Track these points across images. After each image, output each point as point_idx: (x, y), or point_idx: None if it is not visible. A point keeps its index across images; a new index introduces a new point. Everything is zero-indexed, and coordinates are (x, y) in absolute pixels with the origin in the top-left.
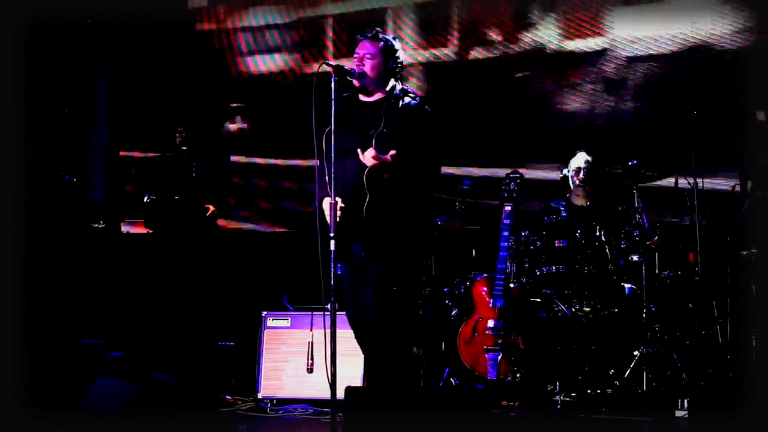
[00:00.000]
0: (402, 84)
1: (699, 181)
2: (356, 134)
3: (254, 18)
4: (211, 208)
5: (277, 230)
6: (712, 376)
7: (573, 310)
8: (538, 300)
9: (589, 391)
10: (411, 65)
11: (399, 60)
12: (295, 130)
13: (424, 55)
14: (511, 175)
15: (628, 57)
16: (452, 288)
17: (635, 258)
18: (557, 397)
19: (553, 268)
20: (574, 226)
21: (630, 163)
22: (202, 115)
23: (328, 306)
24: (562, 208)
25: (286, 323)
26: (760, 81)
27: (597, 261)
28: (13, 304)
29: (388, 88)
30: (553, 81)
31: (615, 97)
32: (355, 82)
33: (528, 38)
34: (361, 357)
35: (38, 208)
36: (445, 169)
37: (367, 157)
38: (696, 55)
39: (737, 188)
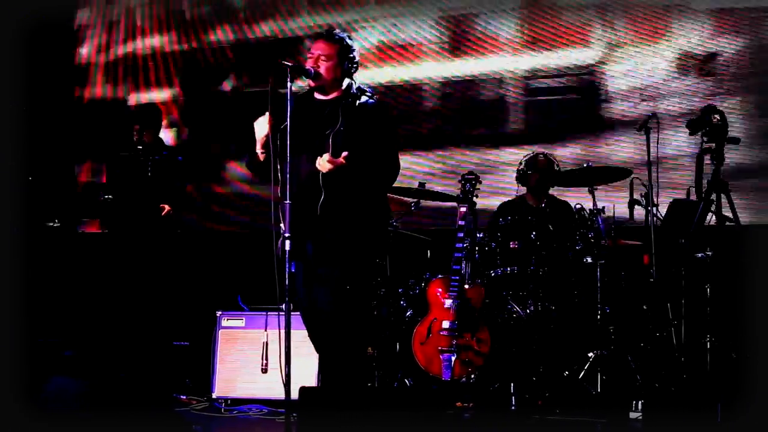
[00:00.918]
0: (357, 82)
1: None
2: (312, 133)
3: None
4: (167, 207)
5: (232, 230)
6: (666, 377)
7: (528, 311)
8: (493, 301)
9: (543, 392)
10: None
11: (354, 59)
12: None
13: None
14: (466, 176)
15: None
16: (407, 289)
17: (590, 260)
18: (511, 398)
19: (508, 269)
20: (528, 228)
21: (585, 165)
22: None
23: (283, 306)
24: (518, 209)
25: (240, 323)
26: None
27: (552, 262)
28: None
29: (344, 87)
30: None
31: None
32: (311, 82)
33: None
34: (316, 357)
35: None
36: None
37: (322, 163)
38: None
39: (692, 191)
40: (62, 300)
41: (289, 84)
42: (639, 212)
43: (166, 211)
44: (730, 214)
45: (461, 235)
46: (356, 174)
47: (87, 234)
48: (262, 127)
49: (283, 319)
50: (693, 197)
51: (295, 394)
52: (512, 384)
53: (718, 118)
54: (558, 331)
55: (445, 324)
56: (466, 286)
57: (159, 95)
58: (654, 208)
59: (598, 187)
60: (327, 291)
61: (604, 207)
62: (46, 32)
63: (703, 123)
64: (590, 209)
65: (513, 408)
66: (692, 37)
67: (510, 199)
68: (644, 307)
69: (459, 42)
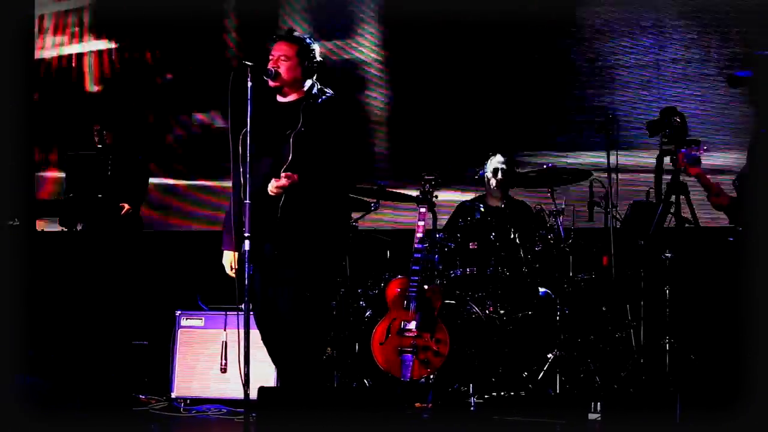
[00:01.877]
0: (319, 83)
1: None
2: (273, 135)
3: None
4: (126, 206)
5: (192, 229)
6: (626, 379)
7: (487, 312)
8: (452, 302)
9: (502, 393)
10: None
11: (315, 60)
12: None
13: None
14: (426, 176)
15: None
16: (366, 289)
17: (549, 261)
18: (471, 399)
19: (467, 269)
20: (488, 228)
21: (545, 166)
22: (120, 113)
23: (242, 306)
24: (477, 209)
25: (199, 323)
26: None
27: (511, 263)
28: None
29: (305, 89)
30: None
31: None
32: (271, 83)
33: None
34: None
35: None
36: None
37: (271, 188)
38: None
39: (652, 193)
40: (22, 299)
41: (249, 84)
42: (599, 214)
43: (125, 210)
44: (689, 216)
45: (421, 235)
46: (314, 181)
47: (47, 233)
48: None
49: (242, 318)
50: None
51: (254, 394)
52: (471, 384)
53: (678, 120)
54: (517, 332)
55: (404, 324)
56: (426, 287)
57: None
58: (613, 210)
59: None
60: (287, 293)
61: (563, 208)
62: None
63: (663, 125)
64: (550, 210)
65: (472, 409)
66: None
67: (468, 199)
68: (603, 308)
69: None
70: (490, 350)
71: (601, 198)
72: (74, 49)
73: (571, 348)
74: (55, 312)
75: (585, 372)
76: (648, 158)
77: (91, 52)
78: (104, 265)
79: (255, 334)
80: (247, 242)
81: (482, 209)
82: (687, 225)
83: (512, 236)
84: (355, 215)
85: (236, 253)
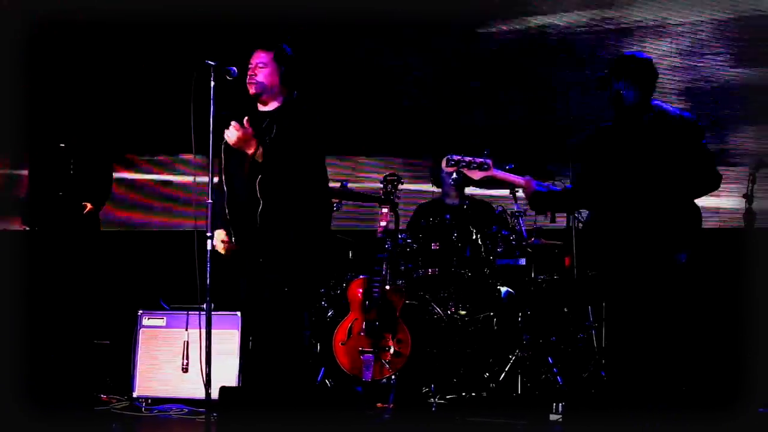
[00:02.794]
0: (297, 91)
1: None
2: None
3: None
4: (89, 206)
5: (154, 229)
6: (587, 380)
7: (449, 312)
8: (414, 302)
9: (464, 393)
10: None
11: (292, 65)
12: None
13: None
14: (388, 177)
15: None
16: (328, 289)
17: (515, 262)
18: (432, 400)
19: (429, 270)
20: (450, 229)
21: (507, 167)
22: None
23: (204, 306)
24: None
25: (161, 322)
26: None
27: (473, 264)
28: None
29: (285, 97)
30: None
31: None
32: (250, 91)
33: None
34: (237, 357)
35: None
36: None
37: (230, 131)
38: None
39: None
40: None
41: (212, 83)
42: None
43: (88, 209)
44: None
45: (382, 235)
46: (287, 181)
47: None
48: (219, 246)
49: (204, 318)
50: None
51: (215, 394)
52: (432, 385)
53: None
54: (479, 333)
55: (366, 325)
56: (387, 287)
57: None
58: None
59: None
60: (270, 297)
61: (525, 209)
62: None
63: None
64: (511, 211)
65: (433, 409)
66: None
67: (427, 201)
68: (565, 309)
69: None
70: (451, 351)
71: None
72: None
73: (533, 349)
74: (15, 311)
75: (546, 373)
76: None
77: None
78: (64, 264)
79: (217, 334)
80: (209, 241)
81: (443, 213)
82: None
83: (474, 237)
84: None
85: (223, 231)
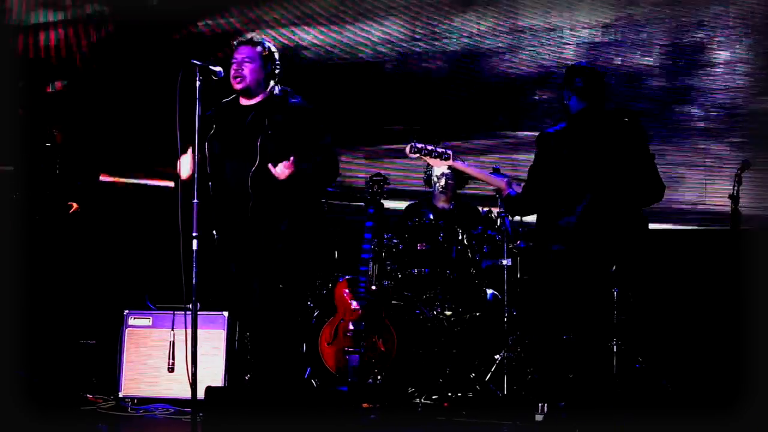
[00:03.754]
0: (280, 85)
1: None
2: (239, 139)
3: None
4: (75, 205)
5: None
6: (573, 380)
7: (435, 313)
8: (400, 303)
9: (449, 394)
10: None
11: (277, 62)
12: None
13: None
14: (374, 178)
15: None
16: (314, 289)
17: (498, 262)
18: (418, 400)
19: (416, 270)
20: (436, 230)
21: (493, 168)
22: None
23: (190, 306)
24: (426, 213)
25: (147, 322)
26: None
27: (459, 265)
28: None
29: (267, 91)
30: None
31: None
32: (236, 85)
33: None
34: (223, 356)
35: None
36: None
37: (279, 171)
38: None
39: None
40: None
41: (198, 83)
42: None
43: (74, 209)
44: None
45: (369, 236)
46: (298, 177)
47: None
48: (185, 167)
49: (190, 318)
50: None
51: (201, 394)
52: (419, 385)
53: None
54: (465, 333)
55: (352, 325)
56: (374, 287)
57: None
58: None
59: None
60: (261, 292)
61: None
62: None
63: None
64: (498, 212)
65: (419, 409)
66: None
67: (416, 201)
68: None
69: None
70: (437, 351)
71: None
72: None
73: (519, 349)
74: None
75: (532, 373)
76: None
77: None
78: (51, 264)
79: (203, 334)
80: (194, 241)
81: (430, 213)
82: None
83: (460, 237)
84: None
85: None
